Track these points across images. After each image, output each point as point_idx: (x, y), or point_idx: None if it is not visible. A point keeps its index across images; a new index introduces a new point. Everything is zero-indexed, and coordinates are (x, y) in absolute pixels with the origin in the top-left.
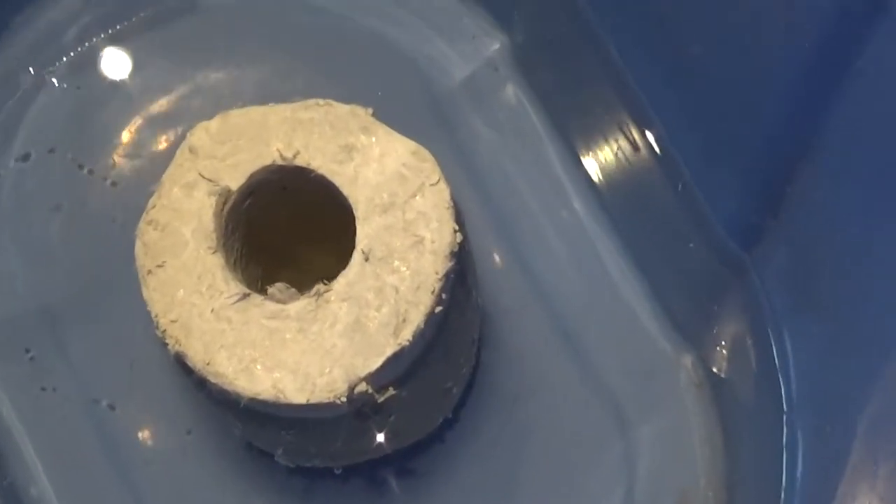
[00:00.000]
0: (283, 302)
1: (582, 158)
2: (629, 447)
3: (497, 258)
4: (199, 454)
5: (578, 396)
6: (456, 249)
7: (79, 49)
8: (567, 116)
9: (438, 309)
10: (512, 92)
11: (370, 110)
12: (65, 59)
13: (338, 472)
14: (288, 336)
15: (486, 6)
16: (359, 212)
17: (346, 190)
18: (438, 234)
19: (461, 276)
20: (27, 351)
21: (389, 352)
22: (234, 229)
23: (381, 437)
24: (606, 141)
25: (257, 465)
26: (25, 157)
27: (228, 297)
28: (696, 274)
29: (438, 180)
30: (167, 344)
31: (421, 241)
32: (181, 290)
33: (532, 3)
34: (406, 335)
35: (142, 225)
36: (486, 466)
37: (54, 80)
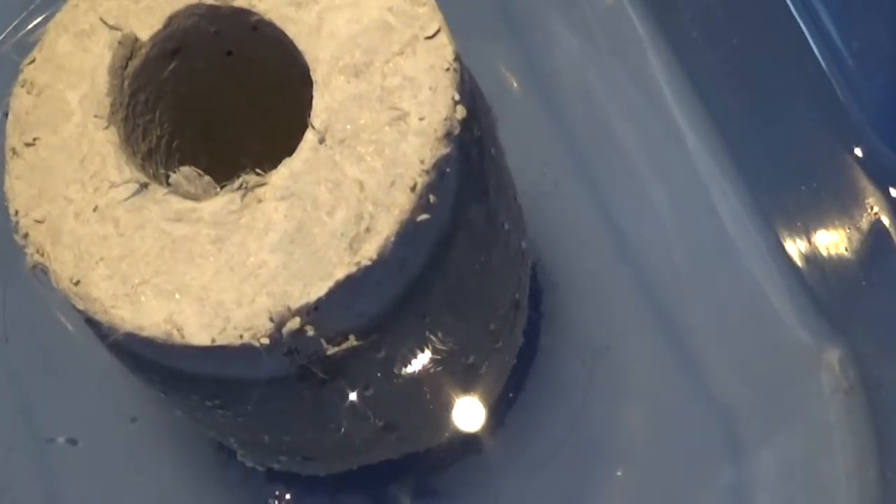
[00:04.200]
0: (196, 198)
1: (695, 78)
2: (743, 476)
3: (572, 204)
4: (148, 450)
5: (674, 404)
6: (456, 131)
7: None
8: (678, 18)
9: (423, 217)
10: None
11: None
12: None
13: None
14: (197, 248)
15: None
16: (318, 75)
17: (302, 44)
18: (430, 109)
19: (476, 186)
20: None
21: (340, 274)
22: (150, 102)
23: (360, 425)
24: (726, 48)
25: (220, 468)
26: None
27: (120, 189)
28: (841, 217)
29: (438, 31)
30: (26, 253)
31: (403, 116)
32: (56, 179)
33: None
34: (369, 251)
35: (15, 88)
36: (538, 493)
37: None
